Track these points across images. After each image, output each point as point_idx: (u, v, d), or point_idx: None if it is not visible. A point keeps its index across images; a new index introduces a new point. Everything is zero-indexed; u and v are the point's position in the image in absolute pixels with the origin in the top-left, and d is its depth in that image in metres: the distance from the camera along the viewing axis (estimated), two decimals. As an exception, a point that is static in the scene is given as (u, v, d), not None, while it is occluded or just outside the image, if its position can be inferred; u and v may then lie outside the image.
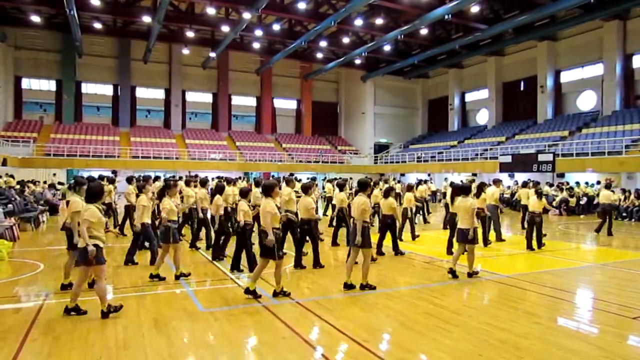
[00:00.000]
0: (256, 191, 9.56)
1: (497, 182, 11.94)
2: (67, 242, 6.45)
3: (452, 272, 7.45)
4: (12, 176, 19.58)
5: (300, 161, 34.04)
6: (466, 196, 7.58)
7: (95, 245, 5.14)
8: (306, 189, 7.94)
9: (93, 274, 5.34)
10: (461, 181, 17.64)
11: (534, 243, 10.22)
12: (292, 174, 24.10)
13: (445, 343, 4.65)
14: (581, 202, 19.96)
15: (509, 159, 23.57)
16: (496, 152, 26.11)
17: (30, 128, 30.05)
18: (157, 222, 8.54)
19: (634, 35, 24.17)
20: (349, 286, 6.56)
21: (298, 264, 7.99)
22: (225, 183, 10.46)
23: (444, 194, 18.64)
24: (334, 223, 11.25)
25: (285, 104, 40.43)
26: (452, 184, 10.84)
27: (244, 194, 7.43)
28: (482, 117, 34.30)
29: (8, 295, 6.30)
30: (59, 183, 22.71)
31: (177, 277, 7.04)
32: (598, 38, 25.48)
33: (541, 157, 21.64)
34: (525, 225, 11.15)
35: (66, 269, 6.45)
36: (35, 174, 24.36)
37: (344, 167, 34.69)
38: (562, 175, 23.51)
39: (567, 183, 21.81)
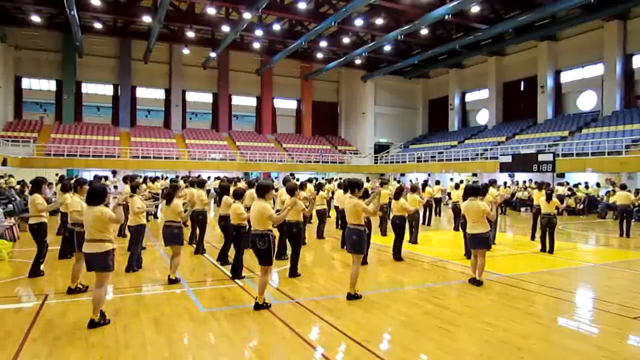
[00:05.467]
0: (252, 192, 9.34)
1: (493, 182, 11.97)
2: (73, 244, 6.33)
3: (474, 281, 7.13)
4: (12, 176, 19.58)
5: (301, 161, 34.01)
6: (476, 197, 7.11)
7: (113, 250, 5.03)
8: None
9: (96, 279, 5.05)
10: (461, 181, 17.73)
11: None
12: (292, 174, 24.16)
13: (447, 343, 4.64)
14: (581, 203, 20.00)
15: (509, 159, 23.56)
16: (496, 152, 26.08)
17: (30, 128, 30.05)
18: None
19: (634, 35, 24.15)
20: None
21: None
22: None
23: (449, 194, 18.58)
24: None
25: (285, 104, 40.42)
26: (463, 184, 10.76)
27: (239, 195, 7.21)
28: (483, 117, 34.28)
29: (8, 296, 6.29)
30: (49, 183, 22.55)
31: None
32: (598, 38, 25.45)
33: (541, 157, 21.63)
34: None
35: (74, 272, 6.29)
36: (35, 174, 24.33)
37: (344, 167, 34.67)
38: (562, 176, 23.51)
39: (568, 183, 21.82)
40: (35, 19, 26.78)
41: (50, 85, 32.95)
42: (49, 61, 31.99)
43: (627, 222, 12.94)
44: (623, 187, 13.85)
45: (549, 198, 10.06)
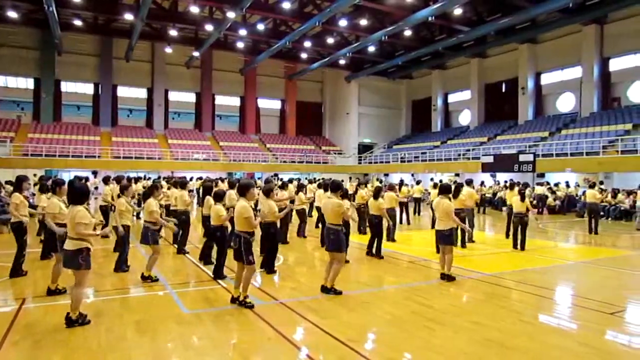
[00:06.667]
0: (231, 193, 9.20)
1: (469, 182, 12.17)
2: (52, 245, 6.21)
3: (445, 276, 7.33)
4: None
5: (285, 161, 33.92)
6: (446, 196, 7.44)
7: (87, 249, 4.93)
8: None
9: (75, 279, 5.00)
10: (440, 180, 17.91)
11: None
12: (276, 174, 24.11)
13: (432, 342, 4.68)
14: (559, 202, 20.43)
15: (490, 159, 23.92)
16: (478, 152, 26.46)
17: (7, 127, 29.22)
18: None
19: (611, 39, 24.78)
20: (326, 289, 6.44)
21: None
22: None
23: (429, 193, 18.75)
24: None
25: (269, 104, 40.26)
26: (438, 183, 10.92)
27: (219, 197, 7.18)
28: (465, 118, 34.73)
29: (-16, 299, 6.11)
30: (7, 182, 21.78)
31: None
32: (577, 41, 26.04)
33: (522, 158, 22.02)
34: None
35: (54, 273, 6.14)
36: (12, 174, 23.69)
37: (328, 167, 34.71)
38: (542, 175, 23.96)
39: (548, 183, 22.25)
40: (12, 14, 26.05)
41: (27, 83, 32.07)
42: (26, 59, 31.15)
43: (595, 219, 13.32)
44: (592, 186, 14.17)
45: (522, 198, 10.34)
